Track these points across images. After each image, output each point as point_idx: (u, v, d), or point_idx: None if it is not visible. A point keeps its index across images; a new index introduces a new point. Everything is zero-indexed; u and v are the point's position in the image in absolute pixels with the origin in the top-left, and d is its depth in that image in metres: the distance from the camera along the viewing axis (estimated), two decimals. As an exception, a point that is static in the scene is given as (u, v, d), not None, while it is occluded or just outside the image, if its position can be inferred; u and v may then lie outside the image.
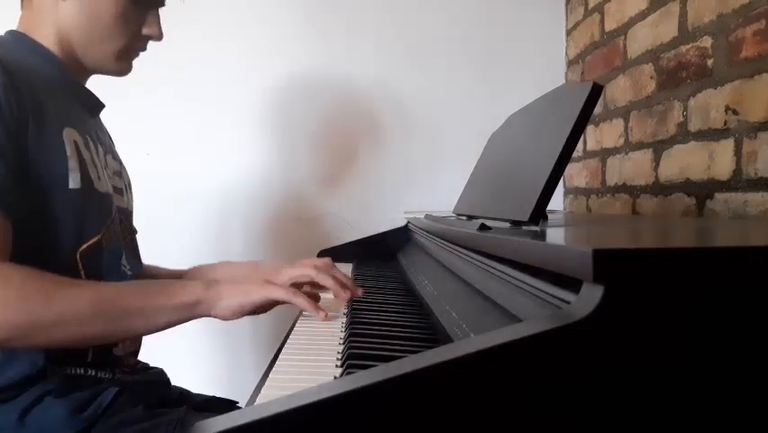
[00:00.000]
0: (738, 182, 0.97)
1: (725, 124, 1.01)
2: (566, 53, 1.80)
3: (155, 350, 1.05)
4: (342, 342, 0.77)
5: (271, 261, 1.25)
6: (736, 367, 0.38)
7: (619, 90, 1.42)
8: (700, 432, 0.38)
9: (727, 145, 1.00)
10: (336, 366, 0.67)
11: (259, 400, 0.58)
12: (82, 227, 0.86)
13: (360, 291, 0.92)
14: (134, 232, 1.04)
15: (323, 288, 0.93)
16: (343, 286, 0.91)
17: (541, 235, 0.61)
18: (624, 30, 1.40)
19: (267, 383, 0.63)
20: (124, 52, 0.95)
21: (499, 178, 0.94)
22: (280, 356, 0.73)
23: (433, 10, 1.79)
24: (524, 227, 0.71)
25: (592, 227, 0.84)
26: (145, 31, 0.95)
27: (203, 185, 1.73)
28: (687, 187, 1.12)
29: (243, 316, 0.83)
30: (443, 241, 0.99)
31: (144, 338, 1.01)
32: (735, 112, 0.99)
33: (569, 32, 1.78)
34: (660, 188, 1.22)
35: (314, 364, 0.69)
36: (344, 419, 0.34)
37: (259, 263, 1.16)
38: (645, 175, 1.28)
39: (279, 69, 1.75)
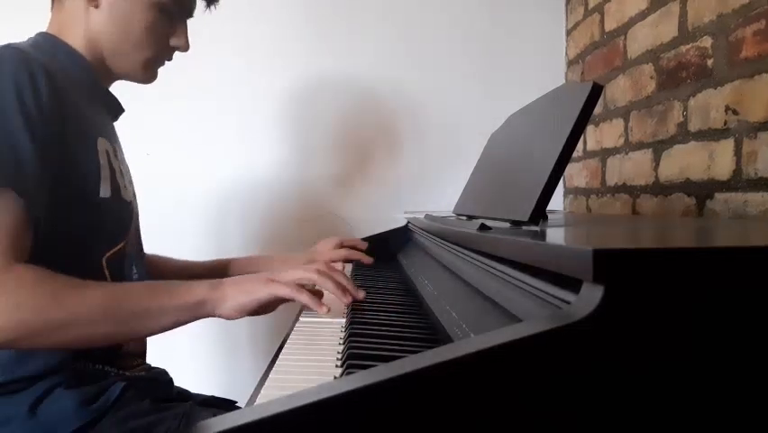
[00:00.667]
0: (738, 182, 0.97)
1: (725, 124, 1.01)
2: (566, 53, 1.80)
3: (156, 350, 1.05)
4: (342, 342, 0.77)
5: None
6: (736, 367, 0.38)
7: (619, 90, 1.42)
8: (701, 432, 0.38)
9: (727, 145, 1.00)
10: (336, 366, 0.67)
11: (259, 400, 0.58)
12: (109, 235, 0.89)
13: (361, 294, 0.92)
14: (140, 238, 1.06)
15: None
16: (344, 291, 0.90)
17: (541, 235, 0.61)
18: (624, 30, 1.40)
19: (267, 383, 0.63)
20: (151, 62, 0.97)
21: (499, 178, 0.94)
22: (280, 356, 0.73)
23: (433, 10, 1.79)
24: (524, 227, 0.71)
25: (592, 227, 0.84)
26: (173, 42, 0.97)
27: (202, 185, 1.73)
28: (687, 187, 1.12)
29: (248, 315, 0.84)
30: (443, 241, 0.99)
31: (147, 339, 1.01)
32: (735, 112, 0.99)
33: (569, 32, 1.78)
34: (660, 188, 1.22)
35: (314, 364, 0.69)
36: (344, 419, 0.34)
37: (289, 257, 1.22)
38: (645, 175, 1.28)
39: (279, 68, 1.75)
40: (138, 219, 1.04)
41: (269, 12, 1.74)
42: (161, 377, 1.00)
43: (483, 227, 0.70)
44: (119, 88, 1.03)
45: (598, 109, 1.52)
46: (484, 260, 0.70)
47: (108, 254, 0.88)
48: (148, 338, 1.02)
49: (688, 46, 1.12)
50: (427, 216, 1.21)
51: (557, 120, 0.74)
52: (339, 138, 1.79)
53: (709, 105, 1.05)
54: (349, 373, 0.57)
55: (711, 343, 0.37)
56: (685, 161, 1.13)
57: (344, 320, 0.86)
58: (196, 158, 1.74)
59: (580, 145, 1.65)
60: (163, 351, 1.12)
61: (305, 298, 0.83)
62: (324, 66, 1.76)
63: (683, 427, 0.37)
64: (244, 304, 0.82)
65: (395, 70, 1.77)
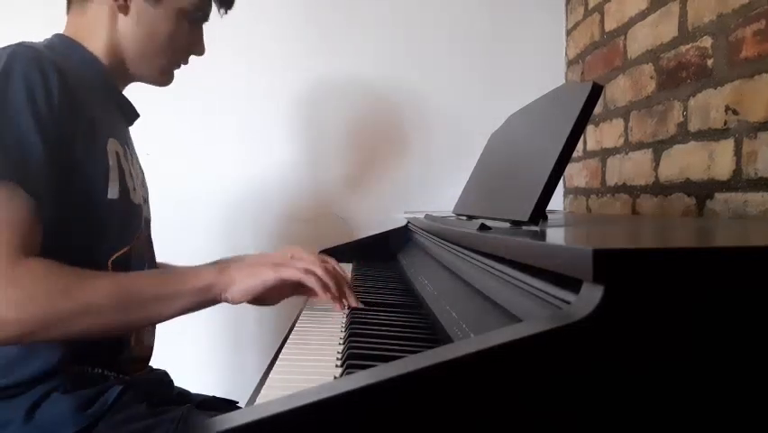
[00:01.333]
0: (738, 182, 0.97)
1: (725, 124, 1.01)
2: (566, 53, 1.80)
3: (157, 351, 1.05)
4: (342, 342, 0.76)
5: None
6: (736, 367, 0.38)
7: (619, 90, 1.42)
8: (700, 432, 0.38)
9: (727, 145, 1.00)
10: (336, 366, 0.67)
11: (259, 400, 0.58)
12: (116, 237, 0.89)
13: (355, 303, 0.90)
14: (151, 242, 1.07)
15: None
16: (341, 297, 0.89)
17: (541, 235, 0.61)
18: (624, 30, 1.40)
19: (267, 383, 0.63)
20: (170, 66, 0.99)
21: (499, 178, 0.94)
22: (280, 356, 0.73)
23: (434, 10, 1.79)
24: (524, 227, 0.71)
25: (592, 227, 0.84)
26: (191, 47, 1.00)
27: (204, 186, 1.73)
28: (687, 187, 1.12)
29: (254, 302, 0.85)
30: (443, 241, 0.99)
31: (152, 345, 1.01)
32: (735, 112, 0.99)
33: (569, 32, 1.78)
34: (660, 188, 1.22)
35: (314, 364, 0.69)
36: (344, 419, 0.34)
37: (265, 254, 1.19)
38: (645, 175, 1.28)
39: (282, 69, 1.75)
40: (149, 225, 1.04)
41: (270, 12, 1.74)
42: (161, 379, 1.00)
43: (483, 227, 0.70)
44: (128, 92, 1.04)
45: (598, 109, 1.52)
46: (484, 260, 0.70)
47: (114, 257, 0.88)
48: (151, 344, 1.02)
49: (688, 46, 1.12)
50: (427, 216, 1.21)
51: (557, 120, 0.74)
52: (340, 138, 1.79)
53: (709, 105, 1.05)
54: (349, 373, 0.57)
55: (711, 343, 0.38)
56: (685, 161, 1.13)
57: (344, 320, 0.86)
58: (196, 158, 1.74)
59: (580, 145, 1.65)
60: (165, 352, 1.12)
61: (312, 281, 0.84)
62: (324, 66, 1.76)
63: (683, 427, 0.37)
64: (251, 287, 0.82)
65: (395, 70, 1.77)
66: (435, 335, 0.76)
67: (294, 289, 0.89)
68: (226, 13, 1.04)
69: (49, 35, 0.94)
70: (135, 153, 1.04)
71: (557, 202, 1.82)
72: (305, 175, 1.77)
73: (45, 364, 0.80)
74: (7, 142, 0.74)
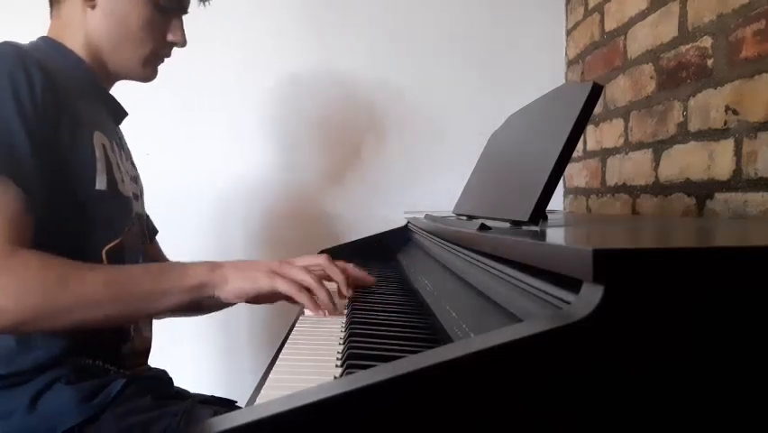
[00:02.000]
0: (738, 182, 0.97)
1: (725, 124, 1.01)
2: (566, 53, 1.80)
3: (156, 350, 1.05)
4: (342, 342, 0.76)
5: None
6: (736, 367, 0.38)
7: (619, 90, 1.42)
8: (700, 432, 0.38)
9: (727, 145, 1.00)
10: (336, 366, 0.67)
11: (258, 401, 0.58)
12: (107, 228, 0.90)
13: (371, 280, 0.98)
14: (148, 239, 1.06)
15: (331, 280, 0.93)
16: (349, 285, 0.92)
17: (541, 235, 0.61)
18: (624, 30, 1.40)
19: (267, 383, 0.63)
20: (150, 58, 0.98)
21: (499, 178, 0.94)
22: (280, 356, 0.73)
23: (434, 10, 1.79)
24: (524, 227, 0.71)
25: (592, 227, 0.84)
26: (170, 37, 0.99)
27: (202, 185, 1.73)
28: (687, 187, 1.12)
29: (247, 302, 0.85)
30: (443, 241, 0.99)
31: (150, 338, 1.01)
32: (735, 112, 0.99)
33: (569, 32, 1.78)
34: (660, 188, 1.22)
35: (314, 364, 0.69)
36: (344, 419, 0.34)
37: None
38: (645, 175, 1.28)
39: (279, 67, 1.75)
40: (143, 219, 1.04)
41: (263, 9, 1.74)
42: (161, 377, 1.00)
43: (483, 227, 0.70)
44: (121, 88, 1.04)
45: (598, 109, 1.52)
46: (484, 260, 0.70)
47: (107, 248, 0.89)
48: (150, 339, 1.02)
49: (688, 46, 1.12)
50: (427, 216, 1.21)
51: (557, 120, 0.74)
52: (339, 138, 1.79)
53: (709, 105, 1.05)
54: (349, 373, 0.57)
55: (711, 343, 0.37)
56: (685, 161, 1.13)
57: (344, 320, 0.86)
58: (186, 157, 1.73)
59: (580, 145, 1.65)
60: (163, 351, 1.12)
61: (304, 298, 0.84)
62: (324, 65, 1.76)
63: (683, 427, 0.37)
64: (245, 290, 0.83)
65: (395, 70, 1.77)
66: (435, 335, 0.76)
67: (287, 297, 0.89)
68: (204, 5, 1.04)
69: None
70: (128, 150, 1.04)
71: (557, 202, 1.82)
72: (305, 175, 1.77)
73: (46, 355, 0.81)
74: None
